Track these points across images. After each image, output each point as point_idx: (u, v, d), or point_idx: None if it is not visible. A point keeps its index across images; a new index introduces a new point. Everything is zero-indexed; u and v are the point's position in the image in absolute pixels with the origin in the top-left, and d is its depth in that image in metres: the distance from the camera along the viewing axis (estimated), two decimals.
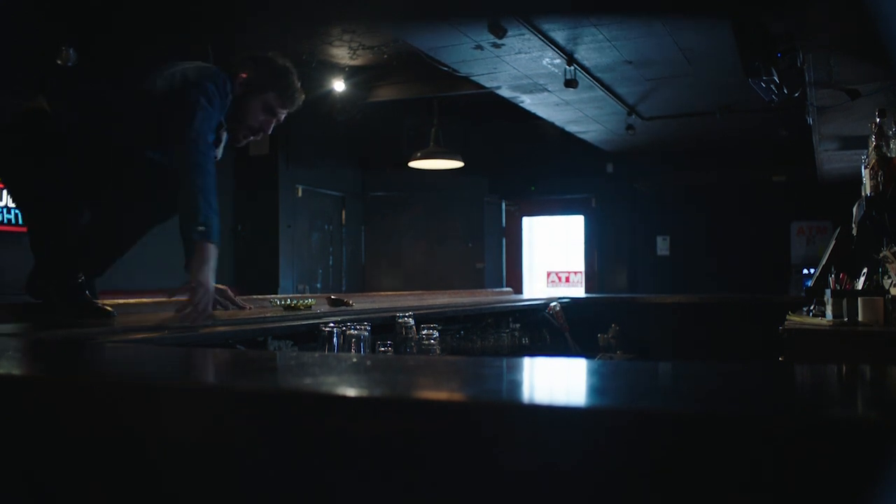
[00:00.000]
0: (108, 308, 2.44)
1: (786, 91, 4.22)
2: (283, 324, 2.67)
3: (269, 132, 2.74)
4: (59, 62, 5.21)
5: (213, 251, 2.28)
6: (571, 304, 6.08)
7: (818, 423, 0.71)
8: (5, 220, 6.38)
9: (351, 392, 0.89)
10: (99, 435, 0.98)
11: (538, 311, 5.71)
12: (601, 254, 10.67)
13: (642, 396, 0.92)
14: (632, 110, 7.61)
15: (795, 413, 0.78)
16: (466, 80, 6.52)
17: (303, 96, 2.72)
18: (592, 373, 1.09)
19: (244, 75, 2.63)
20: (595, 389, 0.98)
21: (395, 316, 2.96)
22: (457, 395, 0.94)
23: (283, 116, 2.72)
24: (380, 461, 0.81)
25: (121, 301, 2.96)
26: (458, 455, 0.79)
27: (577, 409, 0.83)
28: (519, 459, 0.76)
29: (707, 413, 0.76)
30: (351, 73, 7.18)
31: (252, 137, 2.73)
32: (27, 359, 1.47)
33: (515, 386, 1.05)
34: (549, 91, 6.86)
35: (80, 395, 1.02)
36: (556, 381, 1.10)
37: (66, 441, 1.00)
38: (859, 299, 3.10)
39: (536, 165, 10.41)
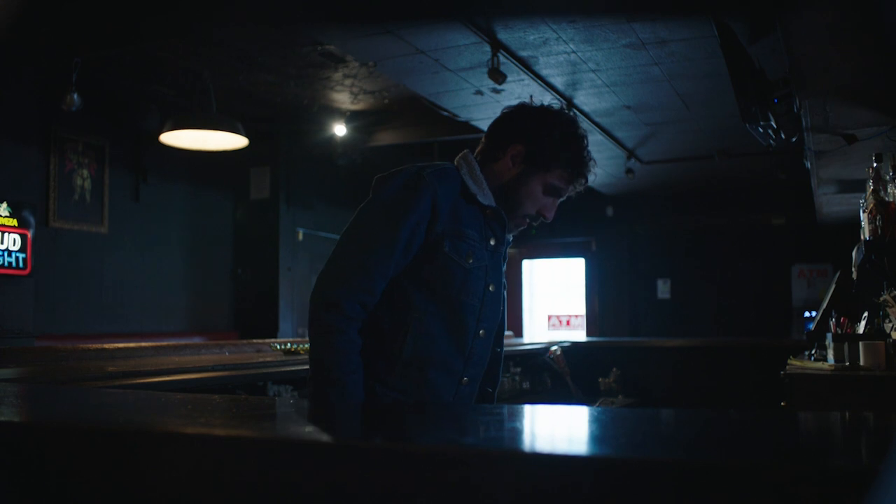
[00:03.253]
0: None
1: (783, 136, 4.25)
2: (283, 369, 2.66)
3: (551, 218, 2.03)
4: (63, 108, 5.23)
5: None
6: (572, 349, 6.05)
7: (820, 472, 0.71)
8: (6, 263, 6.27)
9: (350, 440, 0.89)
10: (92, 482, 0.97)
11: (539, 355, 5.69)
12: (602, 297, 10.65)
13: (642, 445, 0.91)
14: (631, 154, 7.67)
15: (797, 462, 0.77)
16: (466, 125, 6.58)
17: (594, 166, 2.00)
18: (593, 420, 1.09)
19: (519, 147, 1.91)
20: (596, 438, 0.97)
21: None
22: (455, 445, 0.93)
23: (567, 194, 2.02)
24: None
25: (120, 345, 2.95)
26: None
27: (578, 457, 0.82)
28: None
29: (707, 462, 0.75)
30: (352, 118, 7.24)
31: (527, 225, 2.03)
32: (24, 404, 1.46)
33: (516, 434, 1.05)
34: None
35: (75, 441, 1.01)
36: (557, 429, 1.09)
37: (59, 486, 0.99)
38: (860, 343, 3.09)
39: None
